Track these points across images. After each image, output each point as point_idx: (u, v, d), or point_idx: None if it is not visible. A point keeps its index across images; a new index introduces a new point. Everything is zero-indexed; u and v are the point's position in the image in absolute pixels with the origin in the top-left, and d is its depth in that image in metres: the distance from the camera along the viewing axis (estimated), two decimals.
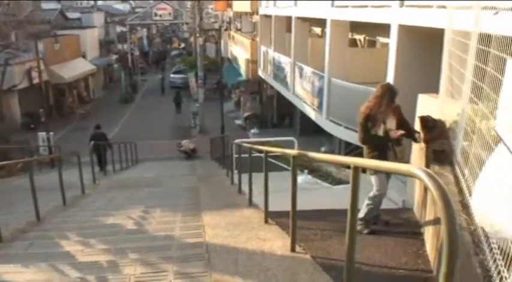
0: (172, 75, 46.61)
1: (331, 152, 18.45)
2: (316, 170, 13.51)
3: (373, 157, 5.60)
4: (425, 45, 9.35)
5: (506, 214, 3.24)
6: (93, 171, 13.78)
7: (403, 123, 5.81)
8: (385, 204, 6.20)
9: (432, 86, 6.67)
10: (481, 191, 3.92)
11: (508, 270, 3.02)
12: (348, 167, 3.73)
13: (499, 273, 3.18)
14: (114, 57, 47.13)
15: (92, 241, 6.24)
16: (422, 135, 5.72)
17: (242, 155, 9.76)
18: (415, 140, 5.84)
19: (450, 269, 1.97)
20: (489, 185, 3.71)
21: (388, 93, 5.61)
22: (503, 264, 3.13)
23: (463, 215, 4.19)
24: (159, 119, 32.99)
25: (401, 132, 5.60)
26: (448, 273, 1.97)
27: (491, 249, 3.43)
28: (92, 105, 36.20)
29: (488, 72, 4.05)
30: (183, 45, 66.55)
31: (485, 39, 4.26)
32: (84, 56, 37.81)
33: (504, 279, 3.06)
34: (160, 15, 49.88)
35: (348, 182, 10.26)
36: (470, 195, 4.29)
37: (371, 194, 5.79)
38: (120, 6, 61.86)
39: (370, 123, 5.63)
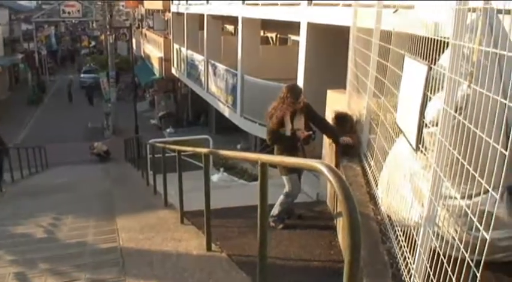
0: (82, 75, 44.99)
1: (247, 149, 18.62)
2: (232, 168, 13.61)
3: None
4: (333, 42, 9.63)
5: (405, 201, 3.42)
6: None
7: (316, 122, 5.80)
8: (299, 198, 6.33)
9: (341, 82, 6.88)
10: (385, 181, 4.10)
11: (412, 255, 3.17)
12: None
13: (404, 259, 3.33)
14: (20, 56, 44.72)
15: None
16: (351, 140, 5.61)
17: (156, 155, 9.63)
18: (337, 142, 5.68)
19: (354, 258, 2.03)
20: (391, 175, 3.89)
21: (291, 93, 5.63)
22: (407, 250, 3.28)
23: (370, 205, 4.37)
24: (70, 120, 31.76)
25: (309, 133, 5.63)
26: (352, 262, 2.03)
27: (396, 237, 3.59)
28: None
29: (389, 68, 4.24)
30: (93, 43, 64.45)
31: (386, 36, 4.45)
32: None
33: (409, 264, 3.21)
34: (69, 13, 48.00)
35: None
36: (376, 185, 4.48)
37: (284, 193, 5.87)
38: (26, 3, 58.75)
39: (272, 124, 5.66)
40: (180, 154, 6.67)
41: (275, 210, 5.84)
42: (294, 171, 5.71)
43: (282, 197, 5.86)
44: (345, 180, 2.04)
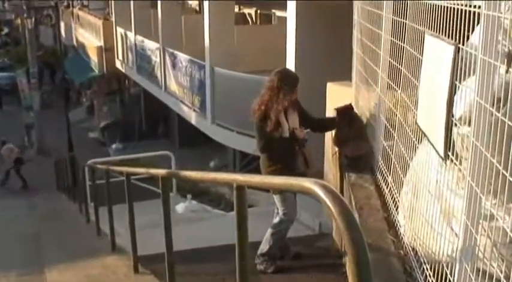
0: None
1: (224, 167, 18.63)
2: (203, 193, 13.61)
3: (275, 172, 5.66)
4: (333, 18, 9.69)
5: (433, 228, 3.46)
6: None
7: (306, 118, 5.99)
8: (295, 231, 6.35)
9: (345, 71, 6.95)
10: (407, 202, 4.15)
11: None
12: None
13: None
14: None
15: None
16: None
17: (98, 181, 9.61)
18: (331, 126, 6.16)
19: None
20: (414, 194, 3.95)
21: (286, 80, 5.73)
22: None
23: (389, 236, 4.42)
24: None
25: (306, 130, 5.80)
26: None
27: (425, 277, 3.64)
28: None
29: (406, 50, 4.31)
30: (6, 30, 64.23)
31: (400, 8, 4.52)
32: None
33: None
34: None
35: (249, 206, 10.46)
36: (396, 209, 4.53)
37: (276, 220, 5.90)
38: None
39: (269, 123, 5.71)
40: (129, 178, 6.68)
41: (263, 247, 5.86)
42: None
43: (271, 228, 5.89)
44: (346, 203, 2.08)
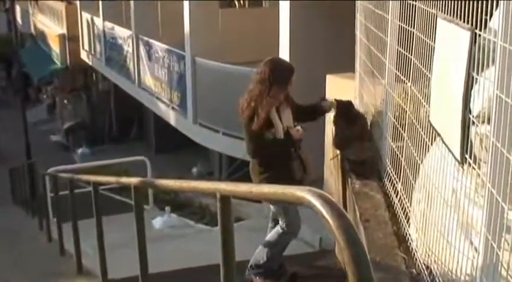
0: None
1: (209, 174, 18.62)
2: (185, 205, 13.58)
3: (268, 179, 5.63)
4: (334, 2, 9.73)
5: (450, 243, 3.48)
6: None
7: (300, 112, 6.00)
8: (292, 247, 6.35)
9: (347, 61, 6.96)
10: (419, 213, 4.16)
11: None
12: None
13: None
14: None
15: None
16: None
17: (62, 193, 9.59)
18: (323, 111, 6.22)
19: None
20: (427, 203, 3.96)
21: (279, 71, 5.70)
22: None
23: (399, 252, 4.44)
24: None
25: (303, 128, 5.77)
26: None
27: None
28: None
29: (416, 37, 4.33)
30: None
31: None
32: None
33: None
34: None
35: (239, 219, 10.44)
36: (407, 221, 4.55)
37: (272, 234, 5.88)
38: None
39: (255, 121, 5.66)
40: (97, 188, 6.67)
41: (259, 258, 5.86)
42: None
43: (267, 241, 5.89)
44: (345, 214, 2.09)
